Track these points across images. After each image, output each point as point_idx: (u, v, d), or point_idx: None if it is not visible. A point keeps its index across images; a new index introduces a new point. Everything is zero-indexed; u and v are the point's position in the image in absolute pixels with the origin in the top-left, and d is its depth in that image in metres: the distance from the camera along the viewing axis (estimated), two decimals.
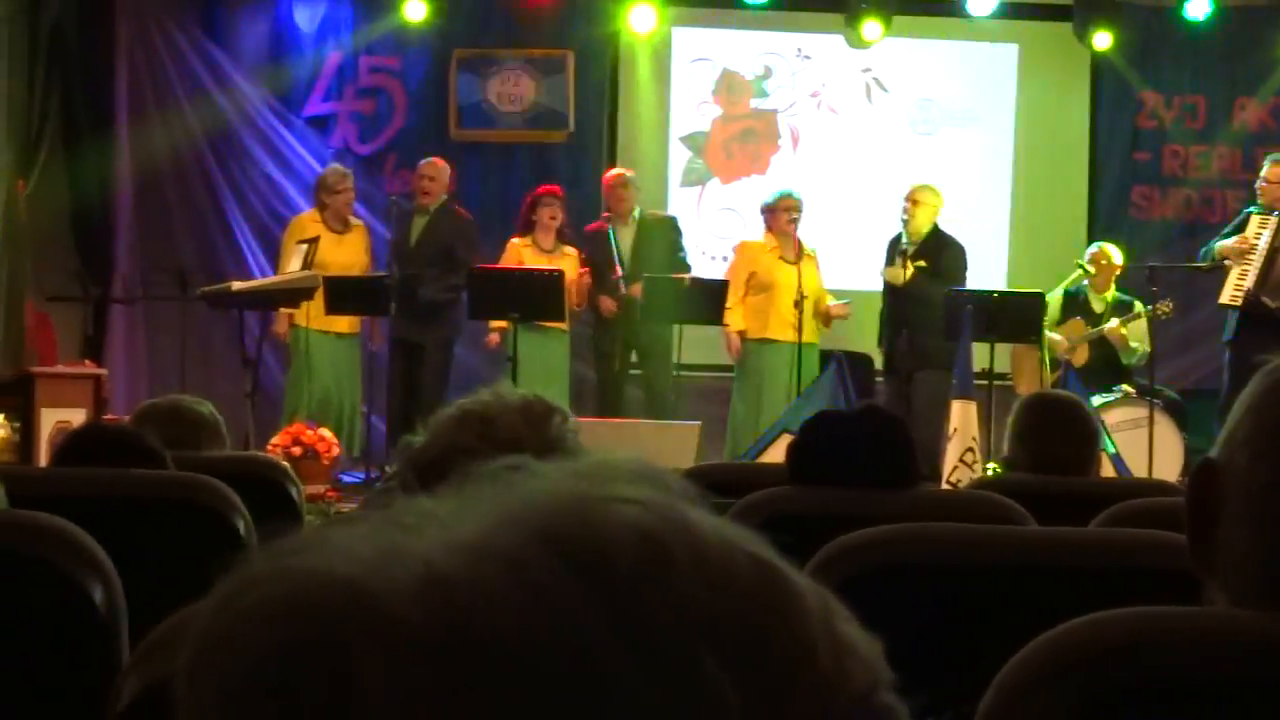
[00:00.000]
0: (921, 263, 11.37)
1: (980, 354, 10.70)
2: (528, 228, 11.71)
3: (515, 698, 0.62)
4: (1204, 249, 11.50)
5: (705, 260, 12.91)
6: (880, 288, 11.81)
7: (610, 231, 11.70)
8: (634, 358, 11.84)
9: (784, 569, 0.69)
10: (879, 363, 11.98)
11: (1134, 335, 11.51)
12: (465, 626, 0.63)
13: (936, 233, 11.62)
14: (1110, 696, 1.39)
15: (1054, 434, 4.45)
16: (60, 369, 10.37)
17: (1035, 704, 1.40)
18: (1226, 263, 11.05)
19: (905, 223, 11.52)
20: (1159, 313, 11.31)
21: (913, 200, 11.56)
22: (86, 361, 11.16)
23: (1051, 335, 11.47)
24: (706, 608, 0.65)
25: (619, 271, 11.48)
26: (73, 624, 2.51)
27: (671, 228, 12.02)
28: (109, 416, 9.69)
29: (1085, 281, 11.77)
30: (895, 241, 11.71)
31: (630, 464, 0.72)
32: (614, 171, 12.08)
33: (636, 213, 11.87)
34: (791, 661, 0.66)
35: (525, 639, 0.63)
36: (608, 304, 11.46)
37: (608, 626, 0.63)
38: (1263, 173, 11.29)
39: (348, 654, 0.63)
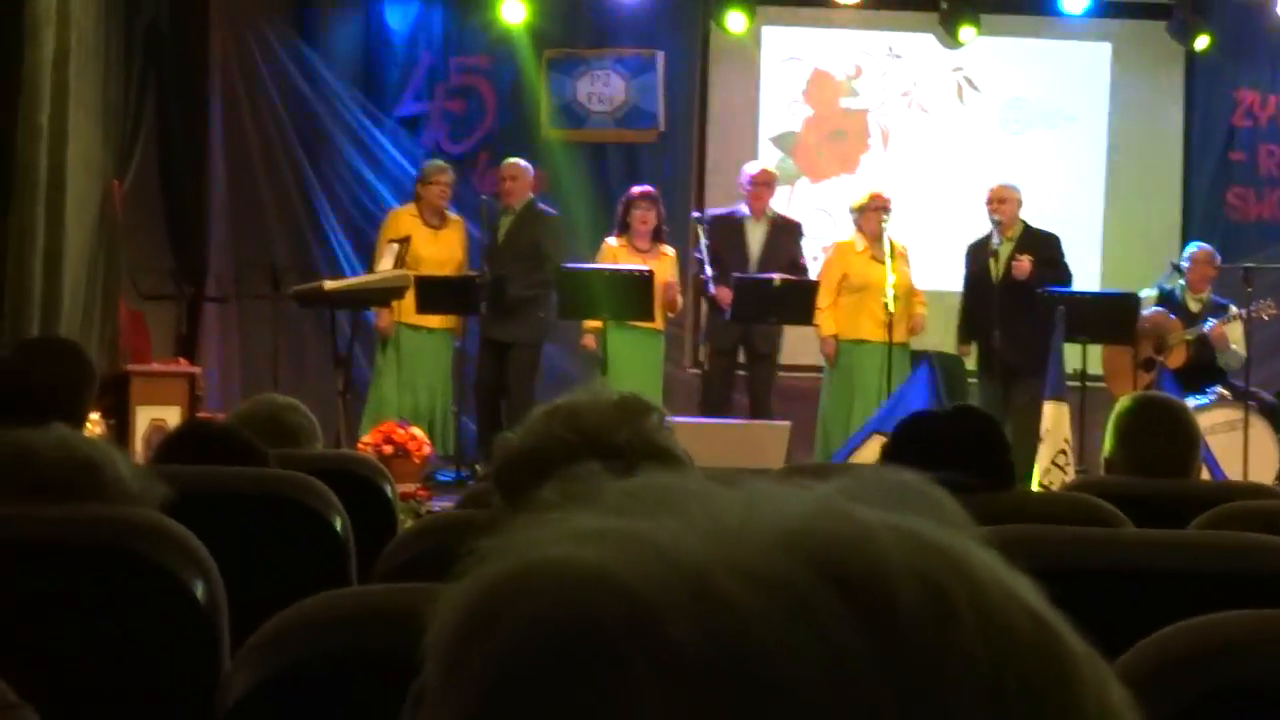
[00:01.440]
0: (1027, 256, 11.29)
1: (1073, 355, 10.64)
2: (623, 229, 11.71)
3: None
4: None
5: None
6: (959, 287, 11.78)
7: (710, 225, 11.65)
8: (741, 357, 11.79)
9: (1063, 630, 0.66)
10: (969, 362, 11.92)
11: (1231, 337, 11.39)
12: (740, 656, 0.62)
13: (1028, 228, 11.56)
14: (1221, 697, 1.38)
15: (1156, 435, 4.40)
16: (155, 367, 10.45)
17: (1146, 704, 1.39)
18: None
19: (997, 223, 11.45)
20: (1261, 314, 11.20)
21: (1000, 199, 11.49)
22: (180, 360, 11.25)
23: (1150, 310, 11.33)
24: (987, 667, 0.62)
25: (709, 271, 11.44)
26: (175, 619, 2.54)
27: (797, 231, 11.98)
28: (203, 414, 9.77)
29: (1181, 282, 11.67)
30: (980, 245, 11.62)
31: (908, 486, 0.70)
32: (758, 167, 12.04)
33: (770, 211, 11.85)
34: None
35: (806, 682, 0.61)
36: (725, 294, 11.37)
37: (885, 676, 0.61)
38: None
39: (627, 672, 0.62)
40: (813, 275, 11.78)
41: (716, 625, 0.62)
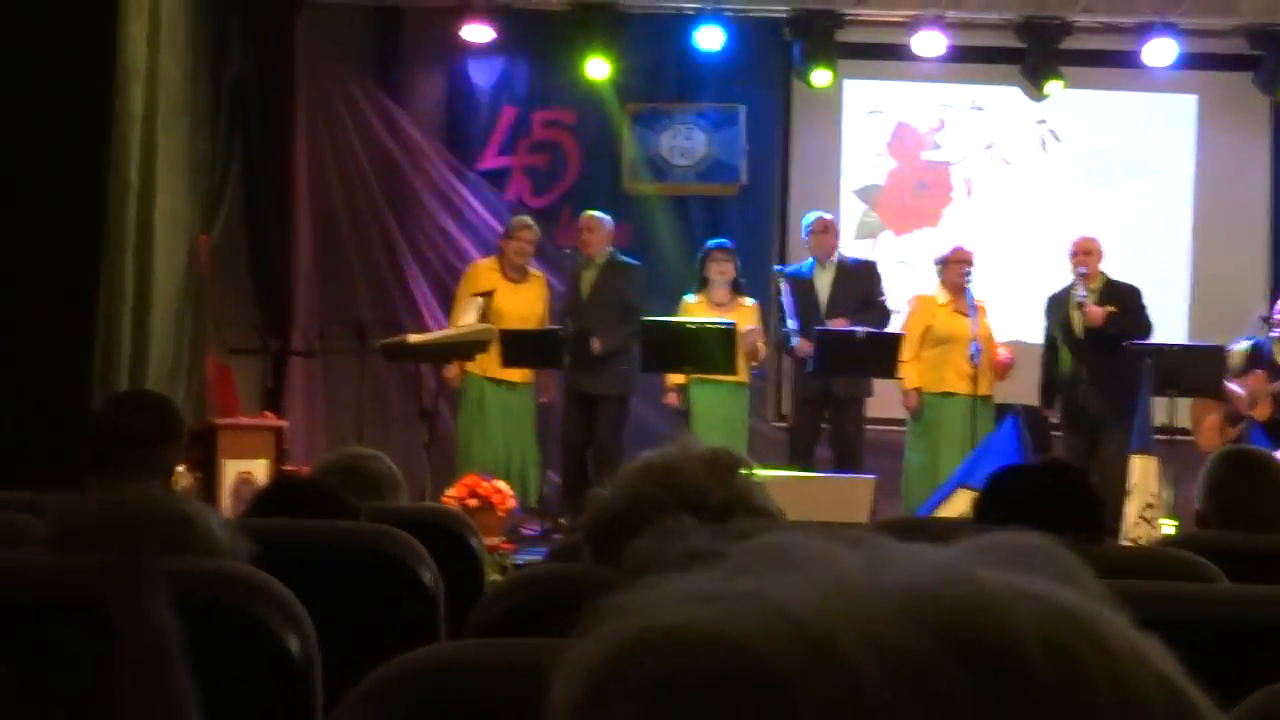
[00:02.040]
0: (1112, 307, 11.23)
1: (1161, 409, 10.56)
2: (701, 284, 11.72)
3: None
4: None
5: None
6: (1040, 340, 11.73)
7: (786, 278, 11.64)
8: (826, 413, 11.74)
9: (1195, 698, 0.65)
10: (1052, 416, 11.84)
11: None
12: None
13: (1110, 282, 11.50)
14: None
15: (1248, 489, 4.36)
16: (241, 421, 10.51)
17: None
18: None
19: (1082, 275, 11.38)
20: None
21: (1085, 251, 11.42)
22: (267, 413, 11.31)
23: (1231, 387, 11.27)
24: None
25: (791, 324, 11.41)
26: (269, 673, 2.54)
27: (873, 271, 11.96)
28: (289, 467, 9.82)
29: (1272, 334, 11.56)
30: (1061, 298, 11.55)
31: (1034, 547, 0.69)
32: (816, 215, 12.04)
33: (837, 256, 11.84)
34: None
35: None
36: (805, 346, 11.36)
37: None
38: None
39: None
40: (895, 320, 11.76)
41: (841, 695, 0.61)
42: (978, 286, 11.53)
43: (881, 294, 11.86)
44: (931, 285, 11.80)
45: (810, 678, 0.62)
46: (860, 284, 11.77)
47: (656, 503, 2.43)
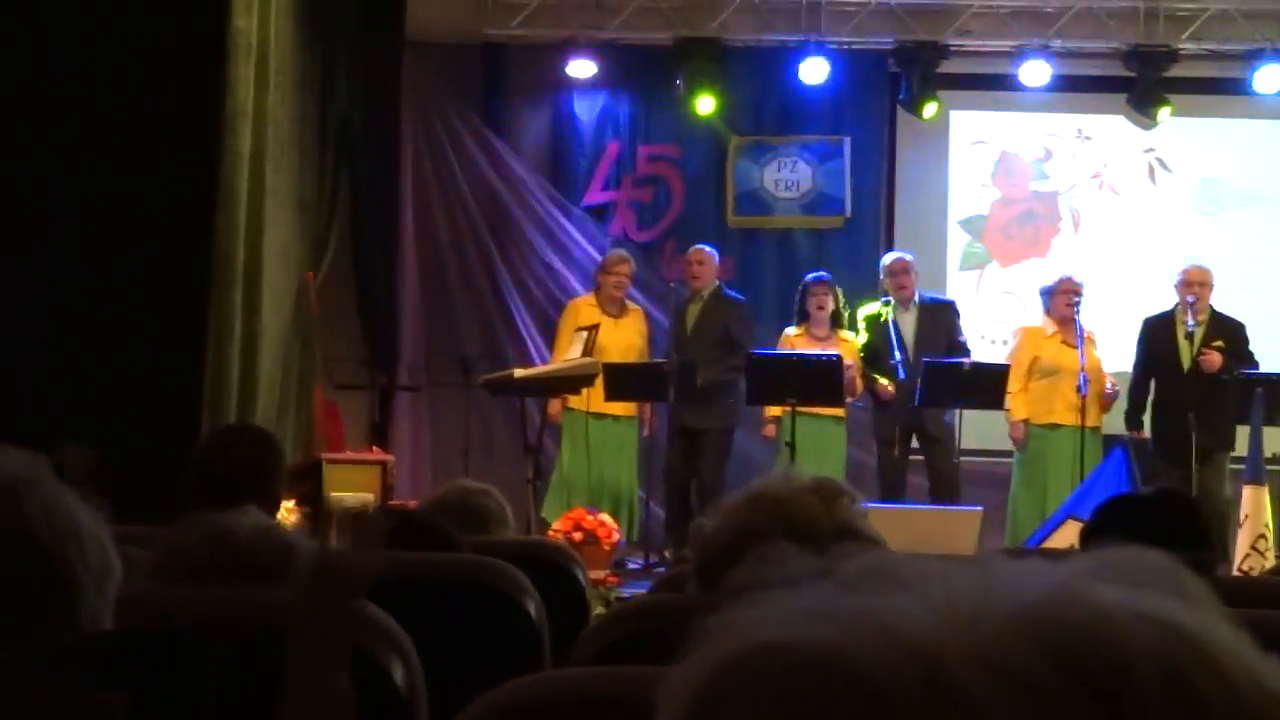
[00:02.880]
0: (1219, 342, 11.12)
1: (1273, 439, 10.43)
2: (802, 317, 11.71)
3: None
4: None
5: (985, 344, 12.78)
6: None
7: (886, 315, 11.60)
8: (915, 443, 11.68)
9: None
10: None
11: None
12: None
13: (1215, 314, 11.38)
14: None
15: None
16: (348, 455, 10.58)
17: None
18: None
19: (1193, 305, 11.25)
20: None
21: (1200, 282, 11.31)
22: (373, 448, 11.37)
23: None
24: None
25: (897, 356, 11.37)
26: (375, 703, 2.55)
27: (952, 311, 11.90)
28: (395, 502, 9.86)
29: None
30: (1162, 324, 11.43)
31: (1151, 565, 0.68)
32: (895, 256, 11.99)
33: (917, 297, 11.78)
34: None
35: None
36: (885, 389, 11.38)
37: None
38: None
39: None
40: (996, 357, 11.69)
41: (951, 715, 0.60)
42: (1086, 317, 11.44)
43: (961, 334, 11.78)
44: (1038, 316, 11.72)
45: (922, 698, 0.61)
46: (943, 324, 11.71)
47: (763, 532, 2.42)
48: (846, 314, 11.82)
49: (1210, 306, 11.37)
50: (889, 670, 0.62)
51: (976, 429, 11.77)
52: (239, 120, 10.00)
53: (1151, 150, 13.61)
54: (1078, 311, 11.34)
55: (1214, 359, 11.06)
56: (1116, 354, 11.84)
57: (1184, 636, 0.62)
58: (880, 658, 0.62)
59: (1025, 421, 11.46)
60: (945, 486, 11.51)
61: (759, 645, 0.65)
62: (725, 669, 0.65)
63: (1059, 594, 0.64)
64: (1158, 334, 11.48)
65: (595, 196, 13.85)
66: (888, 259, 12.01)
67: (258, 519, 2.90)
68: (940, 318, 11.75)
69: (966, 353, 11.63)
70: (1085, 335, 11.35)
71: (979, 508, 10.53)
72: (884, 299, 11.79)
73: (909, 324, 11.64)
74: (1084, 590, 0.64)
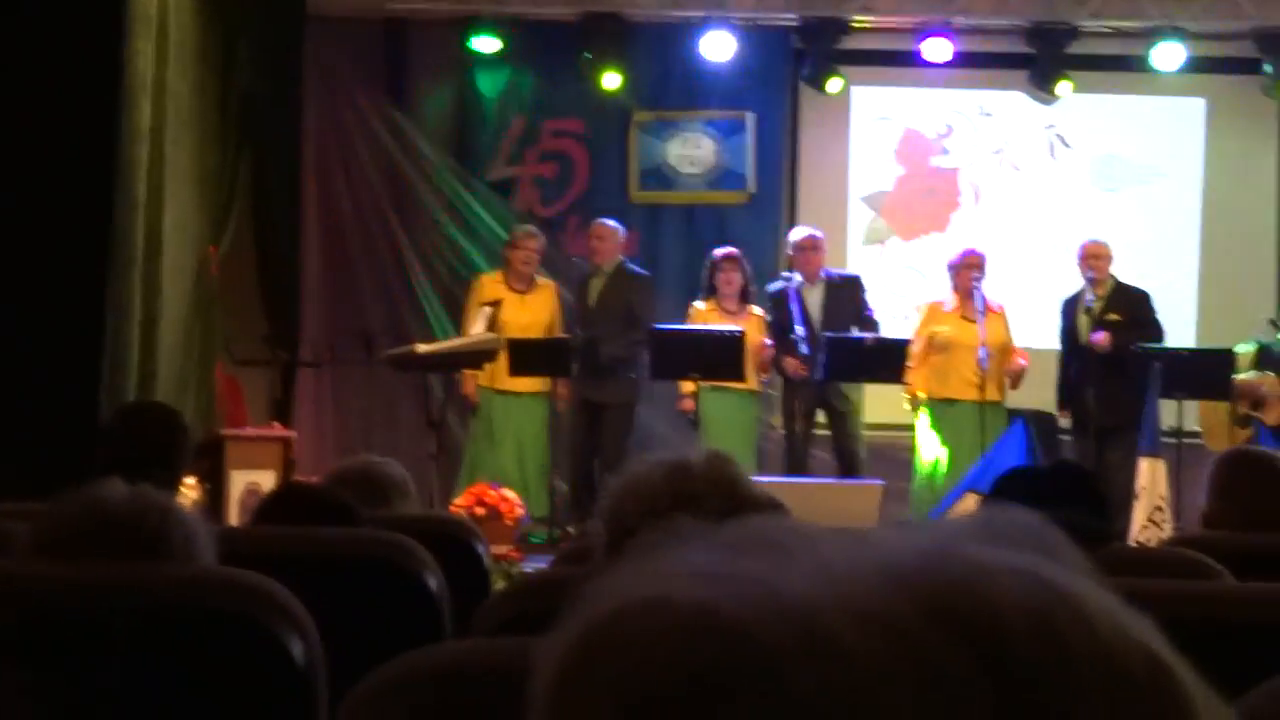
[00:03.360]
0: (1116, 316, 11.24)
1: (1169, 412, 10.55)
2: (710, 292, 11.74)
3: None
4: None
5: (887, 319, 12.85)
6: (1057, 346, 11.73)
7: (792, 292, 11.65)
8: (821, 417, 11.75)
9: (1179, 672, 0.65)
10: (1062, 420, 11.83)
11: None
12: (852, 695, 0.61)
13: (1119, 286, 11.49)
14: None
15: (1255, 489, 4.36)
16: (249, 432, 10.52)
17: None
18: None
19: (1091, 280, 11.38)
20: None
21: (1095, 255, 11.43)
22: (275, 424, 11.32)
23: (1243, 378, 11.22)
24: (1097, 708, 0.62)
25: (799, 332, 11.42)
26: (274, 678, 2.55)
27: (858, 286, 11.94)
28: (297, 478, 9.82)
29: (1279, 337, 11.56)
30: (1074, 301, 11.57)
31: (1023, 526, 0.69)
32: (805, 233, 12.02)
33: (823, 273, 11.82)
34: None
35: (911, 715, 0.61)
36: (792, 364, 11.42)
37: (995, 713, 0.61)
38: None
39: (731, 701, 0.62)
40: (895, 332, 11.75)
41: (827, 668, 0.61)
42: (992, 291, 11.53)
43: (869, 308, 11.83)
44: (942, 290, 11.80)
45: (797, 650, 0.62)
46: (849, 300, 11.76)
47: (664, 504, 2.44)
48: (754, 290, 11.86)
49: (1114, 279, 11.48)
50: (765, 625, 0.62)
51: (883, 404, 11.85)
52: (138, 95, 9.92)
53: (1052, 127, 13.71)
54: (978, 286, 11.42)
55: (1103, 340, 11.16)
56: (1019, 329, 11.92)
57: (1052, 589, 0.63)
58: (757, 614, 0.63)
59: (924, 396, 11.54)
60: (847, 461, 11.59)
61: (625, 603, 0.65)
62: (591, 629, 0.66)
63: (933, 552, 0.65)
64: (1069, 311, 11.59)
65: (499, 172, 13.82)
66: (796, 235, 12.05)
67: (129, 491, 2.84)
68: (847, 293, 11.80)
69: (875, 327, 11.67)
70: (991, 310, 11.43)
71: (880, 481, 10.62)
72: (784, 275, 11.84)
73: (816, 300, 11.68)
74: (958, 549, 0.65)
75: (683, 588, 0.65)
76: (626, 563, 0.69)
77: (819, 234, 11.99)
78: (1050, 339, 11.91)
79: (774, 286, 11.85)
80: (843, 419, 11.64)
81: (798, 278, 11.69)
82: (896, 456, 11.96)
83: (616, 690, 0.64)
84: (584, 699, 0.65)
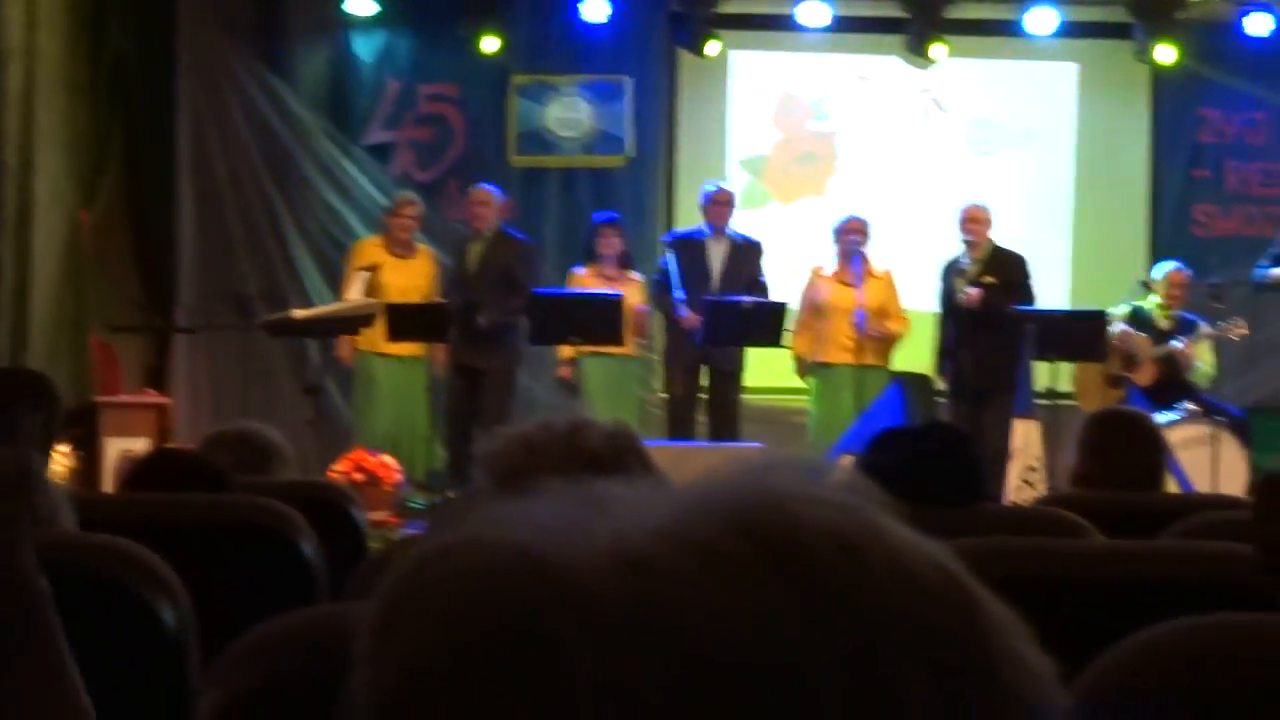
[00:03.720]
0: (991, 279, 11.33)
1: (1043, 373, 10.66)
2: (590, 256, 11.74)
3: (710, 684, 0.63)
4: (1256, 270, 11.41)
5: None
6: (936, 309, 11.82)
7: (675, 245, 11.69)
8: (704, 380, 11.78)
9: (971, 583, 0.69)
10: (939, 383, 11.92)
11: (1200, 353, 11.43)
12: (664, 612, 0.64)
13: (996, 249, 11.59)
14: (1199, 700, 1.38)
15: (1123, 448, 4.42)
16: (124, 398, 10.43)
17: (1123, 708, 1.39)
18: None
19: (969, 244, 11.47)
20: (1230, 334, 11.24)
21: (972, 219, 11.52)
22: (150, 391, 11.22)
23: (1117, 330, 11.35)
24: (897, 612, 0.65)
25: (679, 294, 11.44)
26: (144, 645, 2.53)
27: (757, 251, 11.97)
28: (173, 445, 9.74)
29: (1152, 299, 11.71)
30: (952, 265, 11.65)
31: (824, 466, 0.73)
32: (718, 185, 12.04)
33: (728, 231, 11.85)
34: (974, 671, 0.67)
35: (722, 627, 0.63)
36: (693, 319, 11.38)
37: (802, 622, 0.64)
38: None
39: (545, 629, 0.64)
40: (776, 296, 11.80)
41: (633, 582, 0.64)
42: (876, 256, 11.62)
43: (762, 274, 11.88)
44: (819, 255, 11.86)
45: (609, 571, 0.65)
46: (749, 263, 11.80)
47: (548, 464, 2.44)
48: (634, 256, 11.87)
49: (991, 242, 11.57)
50: (575, 555, 0.65)
51: (767, 368, 11.91)
52: (8, 59, 9.79)
53: (928, 91, 13.79)
54: (857, 250, 11.48)
55: (973, 296, 11.25)
56: (900, 292, 11.99)
57: (852, 512, 0.68)
58: (566, 546, 0.66)
59: (806, 358, 11.63)
60: (726, 424, 11.63)
61: (440, 548, 0.68)
62: (407, 572, 0.68)
63: (746, 485, 0.69)
64: (948, 275, 11.67)
65: (376, 136, 13.74)
66: (712, 186, 12.03)
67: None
68: (746, 256, 11.83)
69: (765, 293, 11.72)
70: (873, 274, 11.50)
71: (759, 444, 10.66)
72: (664, 239, 11.87)
73: (719, 256, 11.70)
74: (768, 481, 0.69)
75: (492, 532, 0.67)
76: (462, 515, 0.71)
77: (730, 187, 12.05)
78: (929, 302, 11.98)
79: (680, 233, 11.88)
80: (725, 381, 11.66)
81: (700, 229, 11.76)
82: (779, 419, 12.01)
83: (430, 628, 0.66)
84: (398, 641, 0.66)
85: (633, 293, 11.45)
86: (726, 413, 11.64)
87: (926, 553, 0.69)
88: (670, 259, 11.55)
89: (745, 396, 11.89)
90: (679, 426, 11.56)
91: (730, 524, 0.66)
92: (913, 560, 0.67)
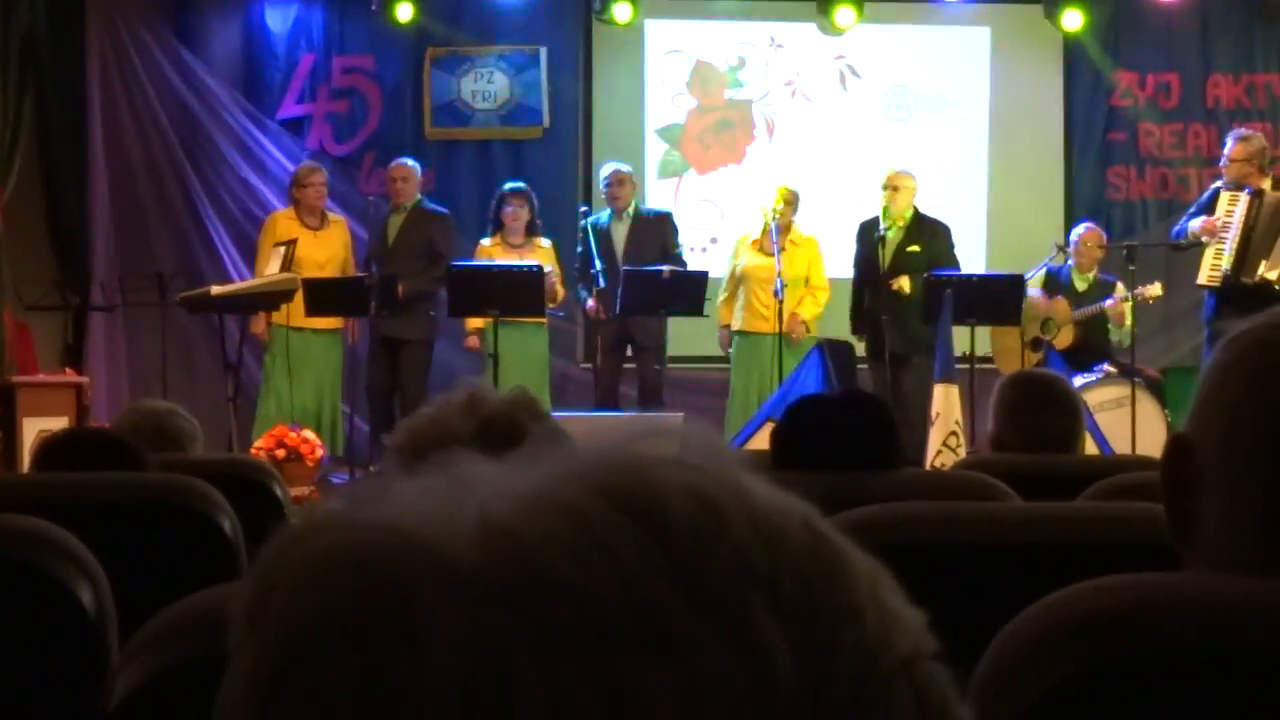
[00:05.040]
0: (915, 248, 11.39)
1: (961, 338, 10.72)
2: (497, 226, 11.76)
3: (580, 642, 0.64)
4: (1175, 228, 11.51)
5: (684, 252, 12.90)
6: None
7: (587, 226, 11.75)
8: (629, 351, 11.82)
9: (834, 535, 0.71)
10: (860, 349, 11.98)
11: (1117, 314, 11.53)
12: (529, 574, 0.65)
13: (919, 217, 11.63)
14: (1106, 663, 1.39)
15: (1039, 410, 4.45)
16: (41, 378, 10.35)
17: (1030, 673, 1.40)
18: (1205, 239, 11.01)
19: (885, 209, 11.52)
20: (1146, 298, 11.32)
21: (893, 186, 11.56)
22: (67, 370, 11.13)
23: (1033, 295, 11.43)
24: (759, 565, 0.67)
25: (598, 265, 11.49)
26: (61, 627, 2.51)
27: (668, 223, 12.01)
28: (91, 424, 9.67)
29: (1068, 262, 11.79)
30: (869, 227, 11.69)
31: (686, 432, 0.74)
32: (613, 167, 12.06)
33: (632, 208, 11.88)
34: (840, 620, 0.68)
35: (588, 586, 0.64)
36: (593, 307, 11.48)
37: (666, 578, 0.65)
38: (1226, 150, 11.25)
39: (413, 599, 0.64)
40: (696, 266, 11.85)
41: (498, 548, 0.65)
42: (801, 224, 11.68)
43: (678, 246, 11.91)
44: (737, 224, 11.90)
45: (471, 541, 0.66)
46: (656, 236, 11.83)
47: (463, 434, 2.44)
48: (540, 223, 11.87)
49: (915, 209, 11.62)
50: (439, 524, 0.66)
51: (689, 337, 11.93)
52: None
53: (842, 57, 13.82)
54: (778, 219, 11.51)
55: (902, 284, 11.31)
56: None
57: (715, 474, 0.69)
58: (431, 516, 0.67)
59: (728, 328, 11.69)
60: (649, 393, 11.66)
61: (306, 524, 0.69)
62: (281, 549, 0.68)
63: (608, 451, 0.70)
64: (864, 237, 11.71)
65: (290, 110, 13.66)
66: (605, 170, 12.08)
67: None
68: (654, 229, 11.87)
69: (681, 264, 11.75)
70: (795, 243, 11.56)
71: (679, 414, 10.68)
72: (582, 208, 11.88)
73: (621, 234, 11.74)
74: (632, 447, 0.71)
75: (372, 509, 0.68)
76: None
77: (625, 168, 12.07)
78: (848, 268, 12.01)
79: (591, 219, 11.92)
80: (644, 352, 11.70)
81: (605, 214, 11.81)
82: (701, 388, 12.05)
83: (297, 597, 0.66)
84: (276, 607, 0.67)
85: (542, 259, 11.46)
86: (649, 385, 11.69)
87: (789, 508, 0.70)
88: (589, 234, 11.64)
89: (672, 366, 11.93)
90: (605, 397, 11.61)
91: (593, 488, 0.67)
92: (773, 514, 0.69)
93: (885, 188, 11.57)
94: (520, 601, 0.64)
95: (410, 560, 0.65)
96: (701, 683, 0.64)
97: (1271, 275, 10.65)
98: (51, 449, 3.88)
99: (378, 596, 0.65)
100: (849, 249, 12.01)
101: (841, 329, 11.91)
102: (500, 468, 0.70)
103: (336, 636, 0.65)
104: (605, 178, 11.97)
